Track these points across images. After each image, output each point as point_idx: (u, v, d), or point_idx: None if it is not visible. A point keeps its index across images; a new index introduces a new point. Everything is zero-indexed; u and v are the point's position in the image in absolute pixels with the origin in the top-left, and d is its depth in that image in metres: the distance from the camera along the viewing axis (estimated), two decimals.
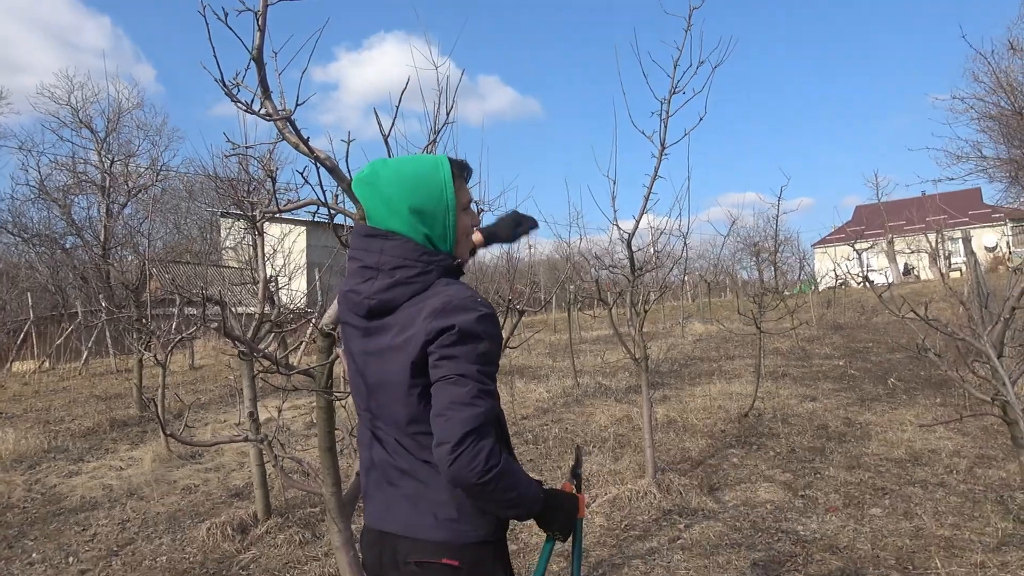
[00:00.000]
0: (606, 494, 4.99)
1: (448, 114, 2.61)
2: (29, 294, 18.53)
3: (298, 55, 2.49)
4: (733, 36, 4.92)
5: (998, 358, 2.88)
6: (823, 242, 45.48)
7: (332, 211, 2.53)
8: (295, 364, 2.48)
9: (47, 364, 16.60)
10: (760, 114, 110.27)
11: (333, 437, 2.52)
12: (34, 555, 4.67)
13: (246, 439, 2.50)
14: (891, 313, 3.47)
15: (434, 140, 2.61)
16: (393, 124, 2.69)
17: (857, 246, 21.95)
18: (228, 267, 17.52)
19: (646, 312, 5.41)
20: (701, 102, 4.99)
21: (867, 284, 3.31)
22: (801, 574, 3.68)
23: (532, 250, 14.37)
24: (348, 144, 2.44)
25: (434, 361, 1.48)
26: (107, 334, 16.83)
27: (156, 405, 2.21)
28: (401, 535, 1.57)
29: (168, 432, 2.38)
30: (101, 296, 14.31)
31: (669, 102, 4.91)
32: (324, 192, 2.43)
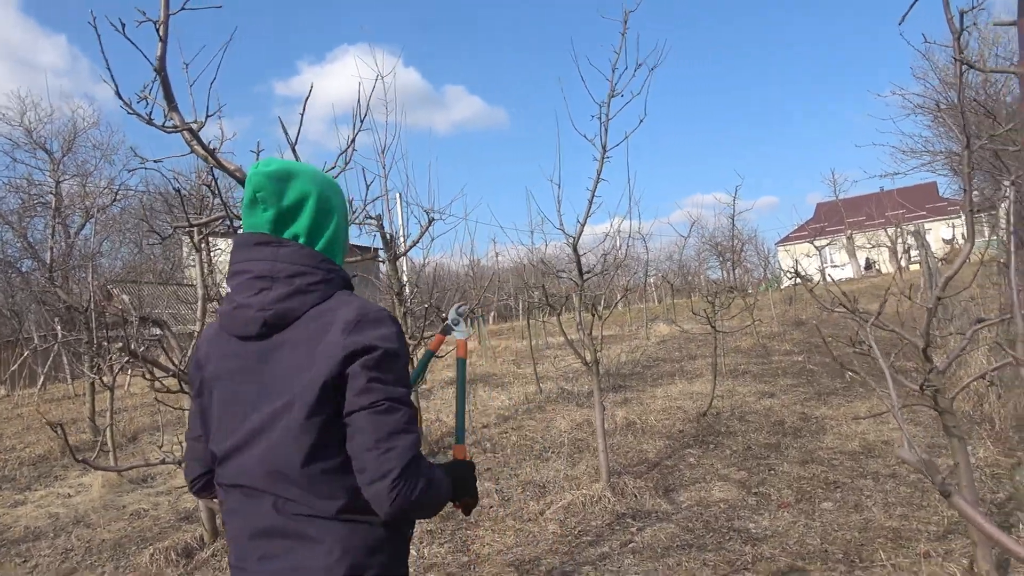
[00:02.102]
0: (561, 500, 4.95)
1: (362, 121, 2.56)
2: None
3: (208, 67, 2.44)
4: (668, 40, 4.96)
5: (925, 348, 2.90)
6: (786, 240, 46.14)
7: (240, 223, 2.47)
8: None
9: (2, 391, 16.17)
10: (722, 116, 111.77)
11: None
12: None
13: (162, 462, 2.41)
14: (825, 308, 3.49)
15: (351, 144, 2.57)
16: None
17: (817, 243, 22.28)
18: (187, 285, 17.24)
19: (596, 316, 5.39)
20: (640, 105, 5.02)
21: (801, 280, 3.32)
22: (750, 572, 3.67)
23: (498, 257, 14.35)
24: (257, 155, 2.39)
25: (361, 385, 1.35)
26: (64, 358, 16.44)
27: (63, 431, 2.12)
28: None
29: (80, 459, 2.29)
30: (56, 320, 13.99)
31: (608, 105, 4.92)
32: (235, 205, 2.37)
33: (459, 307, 1.93)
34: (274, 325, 1.43)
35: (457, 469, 1.61)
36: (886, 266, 39.83)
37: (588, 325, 5.25)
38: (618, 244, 5.91)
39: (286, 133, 2.30)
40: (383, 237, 6.48)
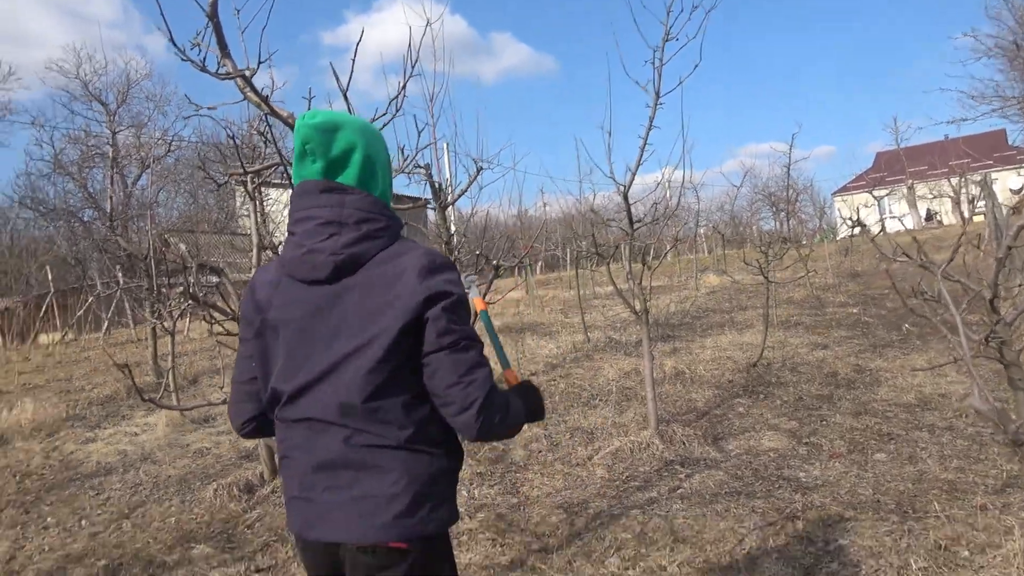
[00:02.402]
0: (609, 446, 5.00)
1: (413, 66, 2.55)
2: (49, 267, 18.76)
3: (259, 13, 2.43)
4: None
5: (993, 299, 2.81)
6: (843, 190, 44.78)
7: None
8: None
9: (69, 335, 16.88)
10: (781, 62, 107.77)
11: None
12: (49, 519, 4.79)
13: (224, 402, 2.50)
14: (886, 258, 3.40)
15: (402, 90, 2.55)
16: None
17: (876, 193, 21.58)
18: (242, 234, 17.61)
19: (646, 266, 5.35)
20: (696, 49, 4.85)
21: (861, 228, 3.23)
22: (800, 520, 3.66)
23: (546, 207, 14.27)
24: (309, 102, 2.39)
25: (442, 327, 1.44)
26: (126, 304, 17.05)
27: (130, 372, 2.21)
28: (346, 542, 1.47)
29: (147, 398, 2.38)
30: (117, 267, 14.46)
31: (663, 49, 4.79)
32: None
33: (467, 276, 2.05)
34: (344, 269, 1.48)
35: (525, 391, 1.70)
36: (948, 217, 38.39)
37: (638, 275, 5.21)
38: (668, 194, 5.81)
39: (337, 80, 2.29)
40: (432, 186, 6.48)
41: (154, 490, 5.18)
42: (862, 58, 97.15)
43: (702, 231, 27.88)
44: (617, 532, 3.70)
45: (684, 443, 4.99)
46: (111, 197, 11.32)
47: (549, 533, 3.78)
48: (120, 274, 12.11)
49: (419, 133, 4.11)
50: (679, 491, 4.23)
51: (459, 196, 6.22)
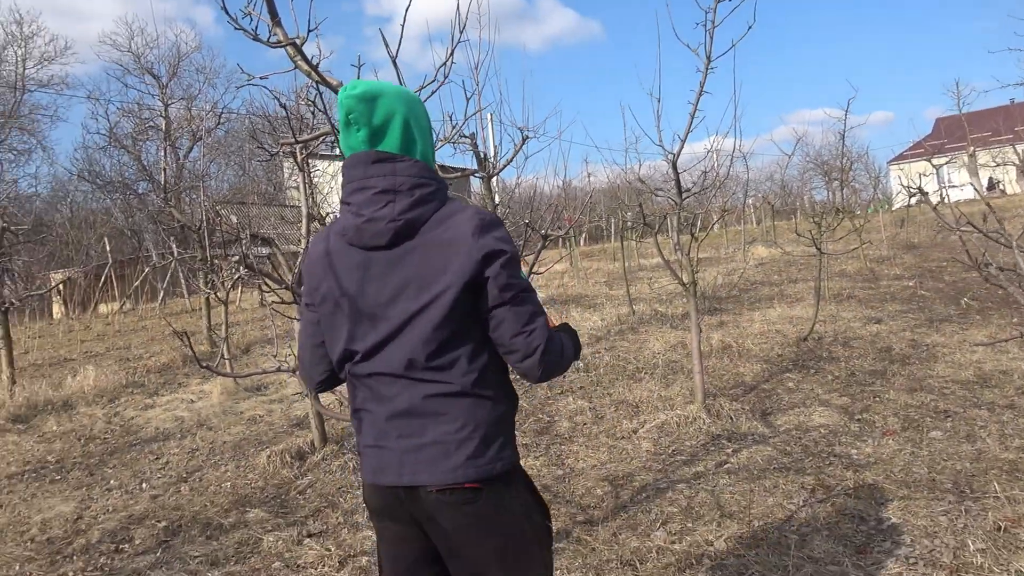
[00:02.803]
0: (655, 420, 4.98)
1: (461, 31, 2.52)
2: (106, 239, 19.35)
3: None
4: None
5: None
6: (900, 158, 43.33)
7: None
8: None
9: (128, 305, 17.43)
10: (836, 23, 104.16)
11: None
12: (112, 481, 4.98)
13: (278, 371, 2.55)
14: (950, 228, 3.27)
15: (450, 57, 2.53)
16: (452, 52, 2.62)
17: (935, 161, 20.81)
18: (290, 206, 17.86)
19: (694, 237, 5.26)
20: (749, 10, 4.70)
21: (922, 196, 3.11)
22: (851, 498, 3.60)
23: (590, 178, 14.14)
24: (359, 68, 2.38)
25: (503, 283, 1.54)
26: (180, 275, 17.51)
27: (188, 338, 2.27)
28: (422, 485, 1.55)
29: (204, 365, 2.44)
30: (172, 238, 14.82)
31: (715, 11, 4.65)
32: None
33: None
34: (402, 234, 1.57)
35: (568, 331, 1.79)
36: (1012, 186, 36.91)
37: (685, 246, 5.13)
38: (717, 163, 5.69)
39: (387, 47, 2.28)
40: (476, 156, 6.45)
41: (210, 455, 5.35)
42: (922, 16, 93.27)
43: (751, 201, 27.33)
44: (663, 506, 3.70)
45: (731, 418, 4.94)
46: (164, 170, 11.57)
47: (594, 505, 3.79)
48: (174, 245, 12.42)
49: (467, 100, 4.09)
50: (726, 466, 4.19)
51: (504, 166, 6.19)
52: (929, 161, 21.46)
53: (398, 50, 2.28)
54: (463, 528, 1.57)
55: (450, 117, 3.36)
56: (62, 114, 64.95)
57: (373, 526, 1.72)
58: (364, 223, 1.57)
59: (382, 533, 1.70)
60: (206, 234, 8.51)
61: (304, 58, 2.30)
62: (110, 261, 18.06)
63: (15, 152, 25.26)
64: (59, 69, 33.02)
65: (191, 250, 10.00)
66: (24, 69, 24.79)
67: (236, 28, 2.21)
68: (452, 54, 2.55)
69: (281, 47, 2.29)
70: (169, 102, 23.42)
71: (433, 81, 2.46)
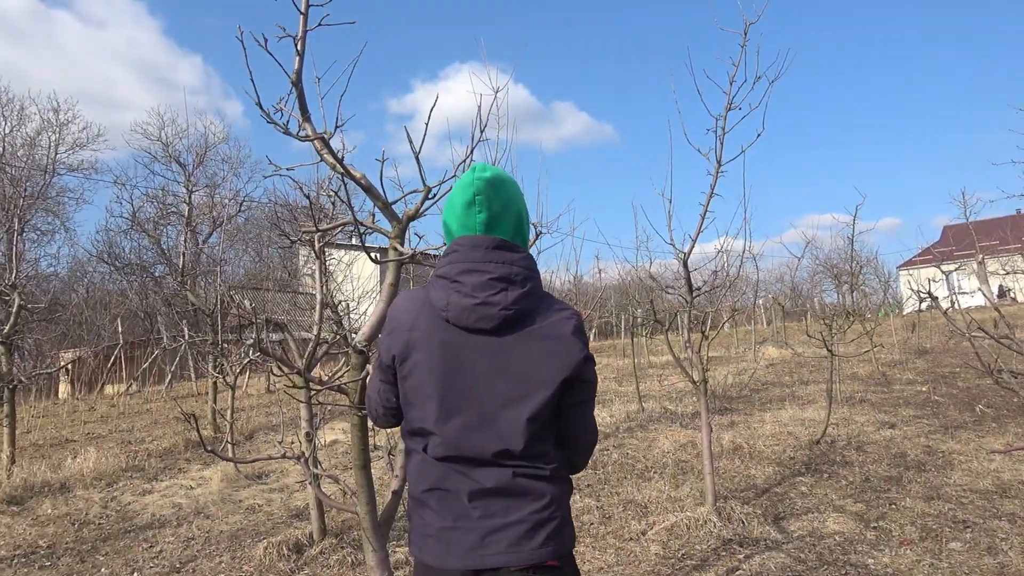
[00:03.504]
0: (664, 521, 4.84)
1: (482, 131, 2.62)
2: (120, 320, 19.49)
3: (336, 80, 2.55)
4: (791, 50, 4.77)
5: None
6: (909, 264, 43.60)
7: (366, 230, 2.55)
8: (326, 379, 2.50)
9: (134, 387, 17.38)
10: (844, 133, 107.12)
11: (367, 455, 2.52)
12: (103, 569, 4.84)
13: (283, 456, 2.52)
14: (961, 334, 3.27)
15: (470, 155, 2.62)
16: (472, 150, 2.72)
17: (944, 267, 20.92)
18: (302, 293, 18.05)
19: (704, 335, 5.26)
20: (758, 118, 4.88)
21: (932, 302, 3.12)
22: None
23: (601, 274, 14.28)
24: (382, 163, 2.47)
25: (586, 386, 1.66)
26: (189, 358, 17.52)
27: (196, 420, 2.26)
28: (504, 567, 1.55)
29: (209, 449, 2.42)
30: (184, 321, 14.92)
31: (725, 118, 4.82)
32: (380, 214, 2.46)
33: None
34: (511, 323, 1.61)
35: None
36: (1022, 294, 36.90)
37: (696, 343, 5.12)
38: (728, 263, 5.75)
39: (411, 142, 2.37)
40: None
41: (206, 545, 5.21)
42: (929, 130, 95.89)
43: (761, 302, 27.38)
44: None
45: (743, 521, 4.79)
46: (183, 253, 11.78)
47: None
48: (186, 328, 12.50)
49: None
50: (738, 573, 4.04)
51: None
52: (939, 267, 21.57)
53: (421, 146, 2.37)
54: None
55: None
56: (88, 197, 66.72)
57: None
58: (477, 305, 1.59)
59: None
60: (219, 317, 8.59)
61: (331, 152, 2.39)
62: (121, 342, 18.14)
63: (38, 232, 25.85)
64: (89, 155, 34.20)
65: (203, 333, 10.07)
66: (56, 154, 25.72)
67: (268, 122, 2.31)
68: (472, 152, 2.64)
69: (309, 141, 2.38)
70: (193, 189, 24.13)
71: (453, 177, 2.53)
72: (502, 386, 1.59)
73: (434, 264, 1.91)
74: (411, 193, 2.59)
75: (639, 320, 14.38)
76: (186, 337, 8.80)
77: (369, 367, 2.43)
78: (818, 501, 5.28)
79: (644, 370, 14.38)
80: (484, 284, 1.60)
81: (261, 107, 2.35)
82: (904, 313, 24.18)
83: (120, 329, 18.37)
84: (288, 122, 2.38)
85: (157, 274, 26.32)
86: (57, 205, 26.21)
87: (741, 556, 4.28)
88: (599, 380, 13.51)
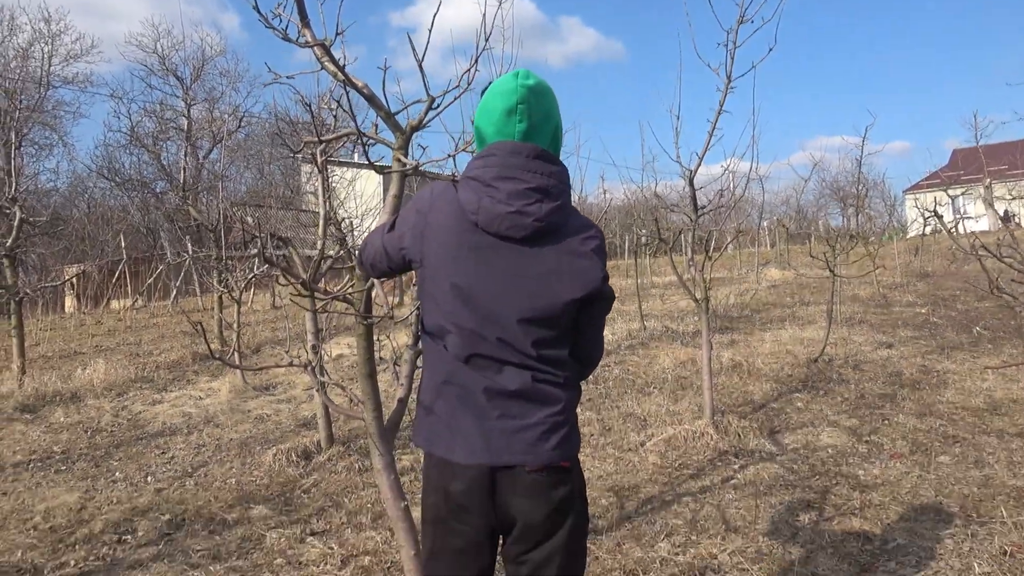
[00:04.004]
0: (662, 433, 4.96)
1: (487, 40, 2.55)
2: (122, 235, 19.50)
3: None
4: None
5: None
6: (915, 188, 43.16)
7: (369, 141, 2.52)
8: (334, 290, 2.52)
9: (140, 302, 17.54)
10: (856, 50, 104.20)
11: (373, 363, 2.56)
12: (117, 474, 5.00)
13: (290, 364, 2.57)
14: (965, 254, 3.27)
15: (474, 63, 2.56)
16: (476, 59, 2.65)
17: (950, 191, 20.73)
18: (305, 211, 17.99)
19: (708, 256, 5.26)
20: (771, 31, 4.74)
21: (938, 221, 3.11)
22: (857, 517, 3.58)
23: (606, 195, 14.18)
24: (384, 71, 2.41)
25: (603, 303, 1.71)
26: (194, 273, 17.62)
27: (203, 330, 2.29)
28: (519, 464, 1.59)
29: (217, 356, 2.47)
30: (187, 238, 14.94)
31: (736, 32, 4.68)
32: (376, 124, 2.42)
33: None
34: (541, 234, 1.62)
35: None
36: None
37: (699, 263, 5.13)
38: (734, 183, 5.70)
39: (414, 51, 2.30)
40: None
41: (216, 452, 5.37)
42: (942, 49, 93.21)
43: (765, 224, 27.28)
44: (668, 518, 3.68)
45: (739, 434, 4.92)
46: (184, 168, 11.68)
47: (599, 515, 3.78)
48: (189, 244, 12.51)
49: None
50: (732, 481, 4.18)
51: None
52: (945, 191, 21.38)
53: (424, 54, 2.32)
54: (550, 506, 1.61)
55: (472, 121, 3.39)
56: (85, 111, 65.68)
57: (433, 506, 1.70)
58: (510, 213, 1.58)
59: (446, 514, 1.67)
60: (223, 233, 8.59)
61: (332, 59, 2.33)
62: (124, 257, 18.20)
63: (36, 146, 25.54)
64: (84, 67, 33.45)
65: (206, 249, 10.09)
66: (50, 66, 25.15)
67: (267, 26, 2.24)
68: (477, 61, 2.57)
69: (309, 47, 2.32)
70: (192, 103, 23.73)
71: (457, 87, 2.48)
72: (523, 293, 1.60)
73: (438, 177, 1.90)
74: (414, 103, 2.54)
75: (643, 241, 14.35)
76: (190, 253, 8.82)
77: (376, 283, 2.45)
78: (813, 416, 5.40)
79: (647, 290, 14.45)
80: (520, 193, 1.59)
81: (259, 10, 2.28)
82: (908, 237, 24.11)
83: (123, 244, 18.41)
84: (287, 27, 2.32)
85: (158, 190, 26.19)
86: (54, 119, 25.81)
87: (736, 466, 4.41)
88: None
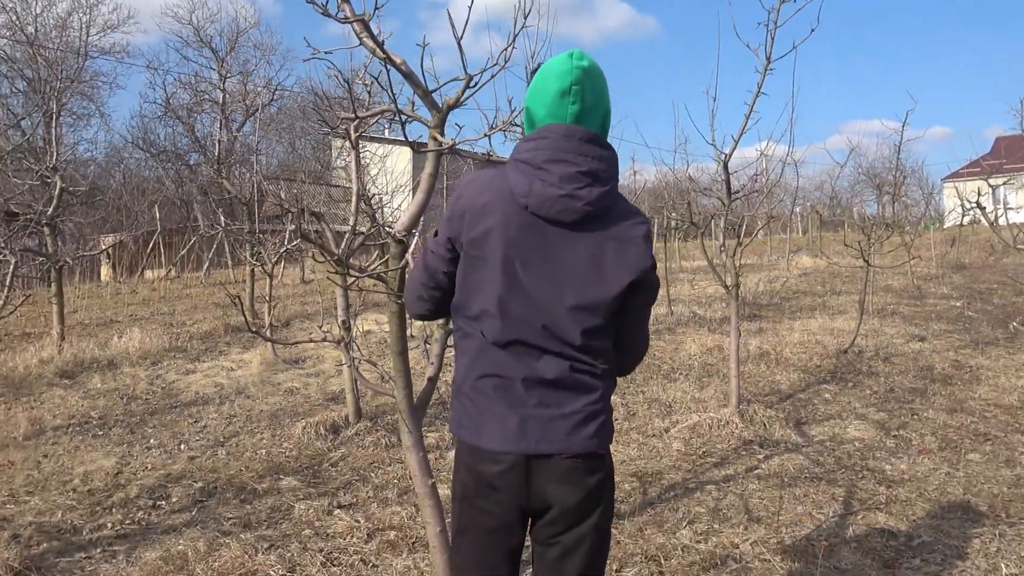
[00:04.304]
0: (687, 420, 4.96)
1: (526, 17, 2.54)
2: (157, 207, 19.80)
3: None
4: None
5: None
6: (954, 176, 42.13)
7: (405, 118, 2.53)
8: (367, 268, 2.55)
9: (173, 272, 17.84)
10: (895, 35, 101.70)
11: (405, 341, 2.59)
12: (152, 441, 5.13)
13: (323, 339, 2.61)
14: (1006, 246, 3.21)
15: (512, 41, 2.55)
16: (515, 36, 2.64)
17: (992, 180, 20.21)
18: (336, 186, 18.11)
19: (740, 242, 5.22)
20: (813, 12, 4.64)
21: (980, 211, 3.05)
22: (882, 512, 3.56)
23: (635, 176, 14.06)
24: (423, 47, 2.42)
25: (649, 290, 1.68)
26: (226, 246, 17.85)
27: (241, 302, 2.34)
28: (556, 453, 1.59)
29: (253, 330, 2.51)
30: (220, 210, 15.10)
31: (778, 11, 4.60)
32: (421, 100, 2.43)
33: None
34: (591, 219, 1.60)
35: None
36: None
37: (731, 248, 5.09)
38: (767, 167, 5.62)
39: (453, 29, 2.31)
40: None
41: (247, 422, 5.48)
42: (987, 33, 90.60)
43: (798, 210, 26.87)
44: (691, 505, 3.70)
45: (765, 424, 4.90)
46: (220, 141, 11.79)
47: (622, 499, 3.80)
48: (223, 216, 12.66)
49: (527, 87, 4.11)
50: (756, 471, 4.17)
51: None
52: (986, 180, 20.82)
53: (464, 31, 2.32)
54: (585, 491, 1.62)
55: (509, 101, 3.37)
56: (121, 82, 66.43)
57: (463, 485, 1.70)
58: (562, 196, 1.55)
59: (476, 493, 1.67)
60: (256, 206, 8.69)
61: (371, 35, 2.34)
62: (159, 228, 18.49)
63: (74, 116, 25.90)
64: (121, 37, 33.77)
65: (239, 222, 10.21)
66: (88, 36, 25.45)
67: (308, 1, 2.26)
68: (515, 39, 2.57)
69: (349, 23, 2.33)
70: (227, 75, 23.85)
71: (495, 65, 2.48)
72: (571, 279, 1.59)
73: (472, 156, 1.90)
74: (451, 81, 2.54)
75: (673, 224, 14.24)
76: (222, 225, 8.93)
77: (408, 256, 2.47)
78: (841, 408, 5.36)
79: (675, 274, 14.36)
80: (572, 176, 1.56)
81: None
82: (945, 227, 23.60)
83: (158, 215, 18.69)
84: (327, 2, 2.33)
85: (192, 162, 26.47)
86: (91, 89, 26.15)
87: (760, 456, 4.40)
88: None
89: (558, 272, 1.59)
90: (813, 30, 4.64)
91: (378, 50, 2.40)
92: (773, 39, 4.60)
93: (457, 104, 2.50)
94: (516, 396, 1.60)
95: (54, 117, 8.84)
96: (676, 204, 13.51)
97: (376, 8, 2.41)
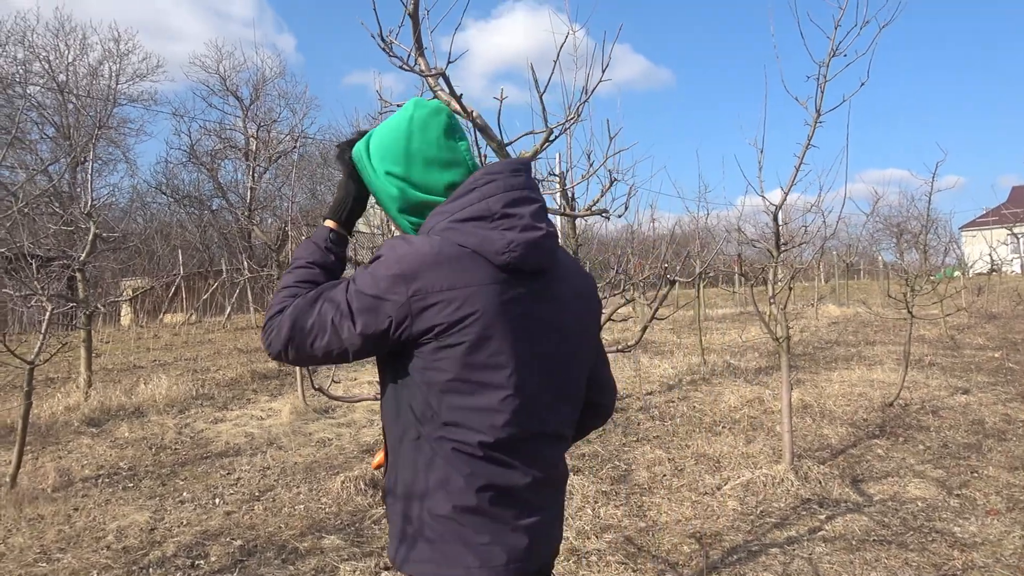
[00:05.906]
0: (739, 477, 4.78)
1: (598, 81, 2.49)
2: (180, 251, 19.94)
3: (450, 13, 2.43)
4: None
5: None
6: (973, 224, 41.95)
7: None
8: None
9: (194, 317, 17.85)
10: (903, 85, 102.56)
11: None
12: (184, 493, 5.00)
13: (375, 398, 2.50)
14: None
15: (579, 110, 2.50)
16: (545, 89, 2.60)
17: (1015, 229, 20.06)
18: (360, 232, 18.20)
19: (791, 290, 5.10)
20: (863, 66, 4.62)
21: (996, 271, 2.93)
22: None
23: (655, 224, 14.00)
24: (501, 102, 2.37)
25: (598, 319, 1.47)
26: (248, 291, 17.88)
27: (311, 373, 2.24)
28: (549, 561, 1.40)
29: (317, 388, 2.42)
30: (244, 255, 15.16)
31: (828, 65, 4.56)
32: (478, 151, 2.38)
33: None
34: (552, 258, 1.33)
35: None
36: None
37: (783, 299, 4.97)
38: (816, 217, 5.52)
39: (536, 85, 2.27)
40: (564, 195, 6.43)
41: (282, 475, 5.34)
42: (1001, 85, 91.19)
43: (822, 258, 26.72)
44: (757, 570, 3.52)
45: (820, 482, 4.72)
46: (251, 188, 11.90)
47: (682, 563, 3.63)
48: (246, 261, 12.70)
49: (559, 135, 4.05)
50: (820, 533, 3.98)
51: (591, 206, 6.15)
52: (1010, 230, 20.70)
53: (547, 86, 2.27)
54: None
55: (588, 155, 3.33)
56: (148, 129, 67.80)
57: None
58: (542, 238, 1.26)
59: None
60: (283, 252, 8.66)
61: (450, 88, 2.30)
62: (181, 272, 18.58)
63: (100, 162, 26.34)
64: (149, 86, 34.50)
65: (268, 268, 10.20)
66: (117, 84, 26.01)
67: (389, 56, 2.22)
68: (590, 93, 2.53)
69: (429, 76, 2.29)
70: (260, 124, 24.24)
71: (574, 119, 2.43)
72: (561, 342, 1.32)
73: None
74: (526, 135, 2.49)
75: (700, 272, 14.10)
76: (246, 270, 8.91)
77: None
78: (896, 465, 5.16)
79: (702, 322, 14.19)
80: (538, 212, 1.28)
81: (383, 39, 2.26)
82: (969, 276, 23.37)
83: (181, 260, 18.80)
84: (409, 56, 2.29)
85: (214, 207, 26.76)
86: (119, 136, 26.65)
87: (822, 517, 4.21)
88: (655, 330, 13.40)
89: (550, 338, 1.31)
90: (863, 83, 4.60)
91: (454, 101, 2.35)
92: (823, 92, 4.55)
93: (535, 157, 2.44)
94: (531, 506, 1.31)
95: (89, 163, 8.91)
96: (700, 252, 13.41)
97: (449, 62, 2.37)
